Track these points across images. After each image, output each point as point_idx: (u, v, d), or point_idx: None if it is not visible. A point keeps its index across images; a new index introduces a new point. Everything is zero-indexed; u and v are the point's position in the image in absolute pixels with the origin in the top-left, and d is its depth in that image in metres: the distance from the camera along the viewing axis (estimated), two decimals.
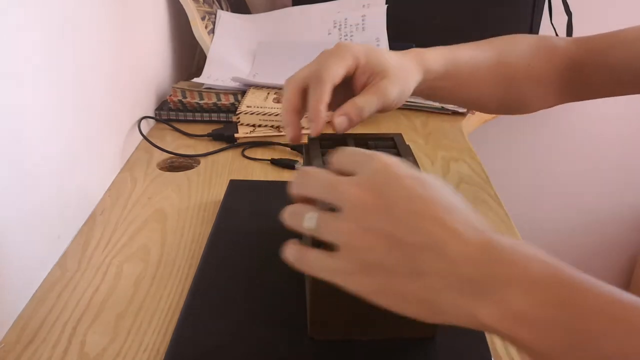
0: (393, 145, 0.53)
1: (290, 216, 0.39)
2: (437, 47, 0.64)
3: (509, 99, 0.69)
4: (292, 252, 0.39)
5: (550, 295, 0.30)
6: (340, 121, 0.50)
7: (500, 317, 0.31)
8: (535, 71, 0.68)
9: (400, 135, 0.56)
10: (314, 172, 0.39)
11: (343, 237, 0.35)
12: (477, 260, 0.32)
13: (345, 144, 0.54)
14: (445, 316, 0.33)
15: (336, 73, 0.51)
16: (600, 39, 0.66)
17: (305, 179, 0.39)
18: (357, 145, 0.53)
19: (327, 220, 0.36)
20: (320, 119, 0.50)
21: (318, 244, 0.39)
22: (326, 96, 0.50)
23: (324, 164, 0.49)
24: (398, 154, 0.51)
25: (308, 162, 0.51)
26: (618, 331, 0.29)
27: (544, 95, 0.70)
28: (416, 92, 0.61)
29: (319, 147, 0.53)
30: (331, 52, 0.53)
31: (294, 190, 0.40)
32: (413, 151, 0.52)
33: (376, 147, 0.53)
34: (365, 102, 0.51)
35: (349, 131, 0.55)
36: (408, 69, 0.57)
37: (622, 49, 0.64)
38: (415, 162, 0.50)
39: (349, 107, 0.51)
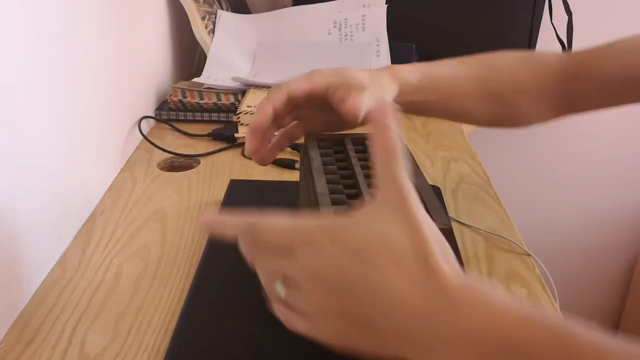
0: None
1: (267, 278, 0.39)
2: (414, 63, 0.64)
3: (498, 113, 0.68)
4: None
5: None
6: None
7: None
8: (523, 85, 0.67)
9: None
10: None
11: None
12: (425, 323, 0.32)
13: (343, 144, 0.54)
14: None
15: (297, 86, 0.53)
16: (591, 51, 0.65)
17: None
18: (355, 145, 0.53)
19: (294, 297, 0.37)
20: (263, 114, 0.51)
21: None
22: (278, 98, 0.52)
23: (323, 165, 0.49)
24: None
25: (307, 163, 0.51)
26: None
27: (537, 110, 0.68)
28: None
29: (317, 147, 0.53)
30: (299, 75, 0.54)
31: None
32: (413, 151, 0.52)
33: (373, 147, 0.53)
34: (362, 103, 0.53)
35: (346, 132, 0.55)
36: (383, 82, 0.57)
37: (616, 60, 0.63)
38: (413, 161, 0.50)
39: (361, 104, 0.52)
